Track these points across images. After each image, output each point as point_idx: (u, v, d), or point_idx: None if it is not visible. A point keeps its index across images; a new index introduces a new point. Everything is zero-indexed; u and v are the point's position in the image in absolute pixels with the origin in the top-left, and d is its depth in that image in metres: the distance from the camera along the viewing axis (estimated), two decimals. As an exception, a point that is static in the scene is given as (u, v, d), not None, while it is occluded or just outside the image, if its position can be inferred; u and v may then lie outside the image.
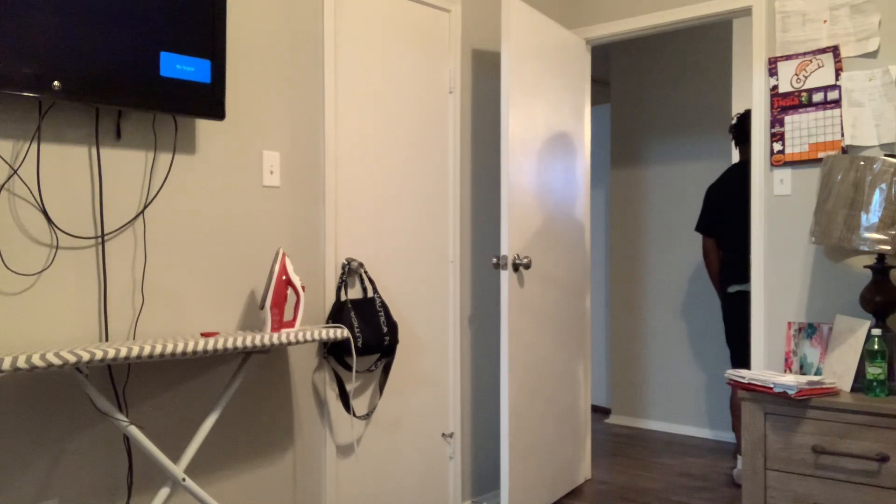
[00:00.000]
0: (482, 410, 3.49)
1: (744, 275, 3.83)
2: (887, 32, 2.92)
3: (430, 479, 3.23)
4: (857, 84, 2.96)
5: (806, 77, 3.07)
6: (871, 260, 2.87)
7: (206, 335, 2.21)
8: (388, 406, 3.05)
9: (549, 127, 3.46)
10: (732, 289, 3.89)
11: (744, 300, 3.84)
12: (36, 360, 1.77)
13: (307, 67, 2.75)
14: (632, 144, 5.19)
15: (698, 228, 4.06)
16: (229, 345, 2.12)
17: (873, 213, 2.60)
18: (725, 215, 3.94)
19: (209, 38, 2.26)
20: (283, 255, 2.40)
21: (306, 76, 2.75)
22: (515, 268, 3.13)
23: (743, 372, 2.76)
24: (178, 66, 2.18)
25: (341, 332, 2.48)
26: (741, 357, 3.88)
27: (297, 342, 2.32)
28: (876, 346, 2.57)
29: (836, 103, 2.99)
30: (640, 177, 5.14)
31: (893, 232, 2.58)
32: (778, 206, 3.15)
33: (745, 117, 3.90)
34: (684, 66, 4.97)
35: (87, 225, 2.17)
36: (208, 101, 2.27)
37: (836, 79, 3.00)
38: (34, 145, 2.06)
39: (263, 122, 2.61)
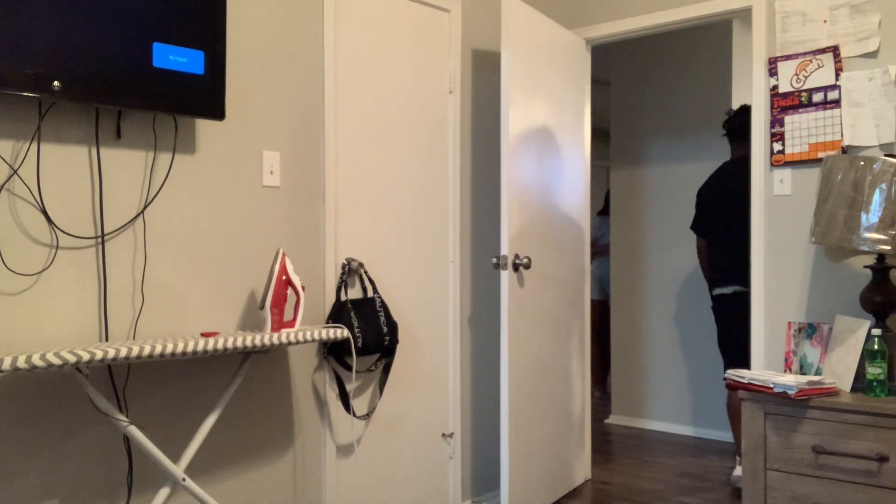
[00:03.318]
0: (482, 410, 3.49)
1: (728, 277, 3.75)
2: (887, 32, 2.92)
3: (430, 479, 3.23)
4: (856, 84, 2.96)
5: (806, 77, 3.07)
6: (871, 260, 2.87)
7: (206, 335, 2.21)
8: (388, 406, 3.05)
9: (550, 127, 3.46)
10: (716, 292, 3.81)
11: (728, 303, 3.76)
12: (36, 360, 1.77)
13: (307, 67, 2.75)
14: (632, 144, 5.19)
15: (692, 227, 4.01)
16: (229, 345, 2.12)
17: (873, 213, 2.60)
18: (712, 215, 3.87)
19: (205, 32, 2.26)
20: (283, 255, 2.40)
21: (306, 76, 2.75)
22: (515, 268, 3.13)
23: (743, 372, 2.76)
24: (171, 57, 2.18)
25: (341, 332, 2.48)
26: (733, 363, 3.78)
27: (297, 342, 2.32)
28: (876, 346, 2.57)
29: (836, 103, 3.00)
30: (640, 177, 5.14)
31: (893, 232, 2.58)
32: (778, 206, 3.15)
33: (737, 114, 3.82)
34: (684, 66, 4.97)
35: (87, 225, 2.17)
36: (205, 97, 2.27)
37: (836, 79, 3.00)
38: (34, 145, 2.06)
39: (263, 122, 2.61)
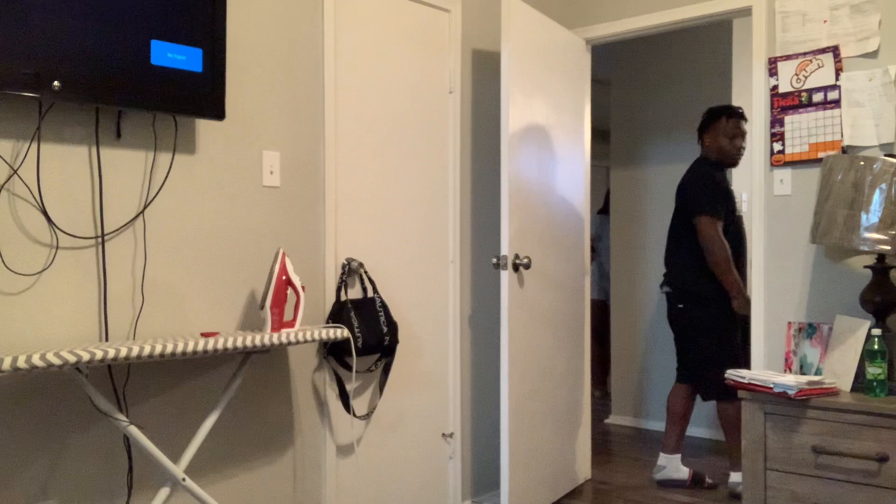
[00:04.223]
0: (482, 410, 3.49)
1: (664, 278, 3.79)
2: (887, 32, 2.92)
3: (430, 479, 3.23)
4: (856, 84, 2.96)
5: (806, 77, 3.07)
6: (871, 260, 2.87)
7: (206, 335, 2.21)
8: (388, 406, 3.05)
9: (549, 127, 3.46)
10: None
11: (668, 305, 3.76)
12: (36, 360, 1.77)
13: (307, 67, 2.75)
14: (632, 144, 5.19)
15: None
16: (229, 345, 2.12)
17: (873, 213, 2.60)
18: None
19: (204, 30, 2.26)
20: (283, 255, 2.40)
21: (306, 76, 2.75)
22: (515, 268, 3.13)
23: (743, 372, 2.76)
24: (170, 55, 2.18)
25: (341, 332, 2.48)
26: (683, 371, 3.75)
27: (297, 342, 2.32)
28: (876, 346, 2.57)
29: (836, 103, 2.99)
30: (640, 177, 5.14)
31: (893, 232, 2.58)
32: (778, 206, 3.15)
33: (706, 115, 3.80)
34: (684, 66, 4.97)
35: (87, 225, 2.17)
36: (205, 95, 2.27)
37: (836, 79, 3.00)
38: (34, 145, 2.06)
39: (263, 122, 2.61)
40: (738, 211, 3.73)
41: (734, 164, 3.77)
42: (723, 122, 3.69)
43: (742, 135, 3.72)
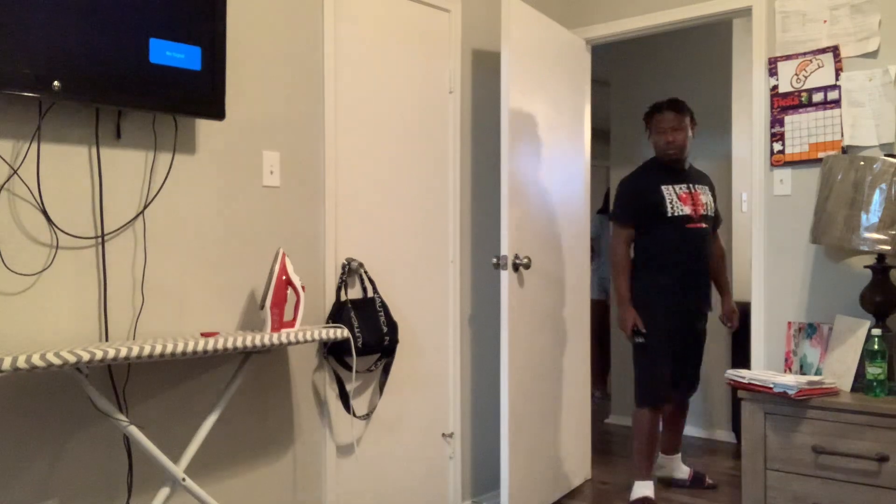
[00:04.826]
0: (482, 410, 3.49)
1: None
2: (887, 32, 2.92)
3: (430, 479, 3.23)
4: (856, 84, 2.96)
5: (806, 77, 3.07)
6: (871, 260, 2.87)
7: (206, 335, 2.21)
8: (388, 406, 3.05)
9: (549, 127, 3.46)
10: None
11: None
12: (36, 360, 1.77)
13: (307, 67, 2.75)
14: (632, 144, 5.19)
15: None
16: (229, 345, 2.12)
17: (873, 213, 2.60)
18: None
19: (203, 29, 2.25)
20: (283, 255, 2.40)
21: (306, 76, 2.75)
22: (515, 268, 3.13)
23: (743, 372, 2.76)
24: (168, 53, 2.18)
25: (341, 332, 2.48)
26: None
27: (297, 342, 2.32)
28: (876, 346, 2.57)
29: (836, 103, 3.00)
30: (640, 177, 5.12)
31: (893, 232, 2.58)
32: (778, 206, 3.15)
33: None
34: (684, 66, 4.96)
35: (87, 225, 2.17)
36: (204, 95, 2.26)
37: (836, 79, 3.00)
38: (34, 145, 2.06)
39: (263, 122, 2.61)
40: (706, 211, 3.53)
41: (674, 158, 3.50)
42: (654, 117, 3.54)
43: (672, 128, 3.47)
